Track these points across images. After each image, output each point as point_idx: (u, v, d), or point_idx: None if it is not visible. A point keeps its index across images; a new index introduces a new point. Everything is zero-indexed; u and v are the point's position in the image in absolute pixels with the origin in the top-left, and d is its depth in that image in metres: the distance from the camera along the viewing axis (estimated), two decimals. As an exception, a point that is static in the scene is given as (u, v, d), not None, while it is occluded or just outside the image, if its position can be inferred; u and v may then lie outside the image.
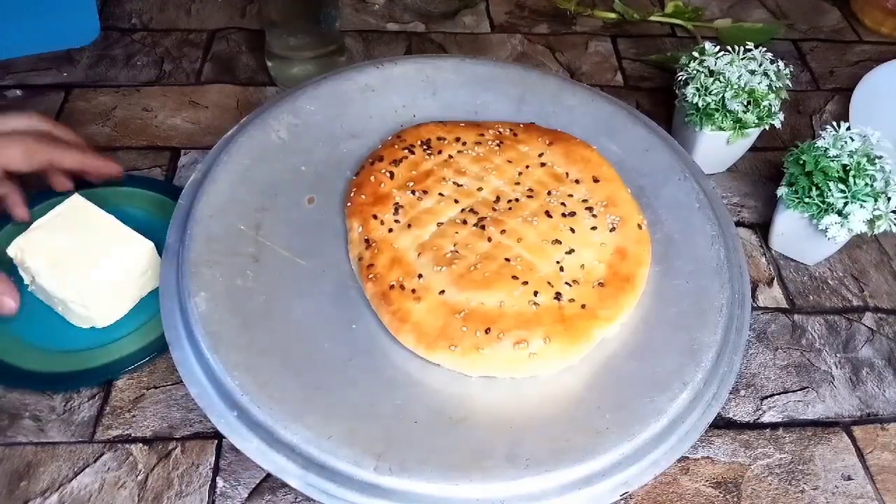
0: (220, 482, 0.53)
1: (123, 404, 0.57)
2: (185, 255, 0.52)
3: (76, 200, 0.58)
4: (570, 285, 0.53)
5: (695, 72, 0.71)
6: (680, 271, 0.56)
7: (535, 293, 0.52)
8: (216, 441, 0.55)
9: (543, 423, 0.48)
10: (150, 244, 0.58)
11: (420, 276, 0.52)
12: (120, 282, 0.57)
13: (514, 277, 0.52)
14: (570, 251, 0.55)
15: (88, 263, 0.56)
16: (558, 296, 0.52)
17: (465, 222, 0.56)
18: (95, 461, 0.54)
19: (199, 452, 0.55)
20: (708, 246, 0.57)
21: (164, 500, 0.52)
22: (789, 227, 0.68)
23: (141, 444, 0.55)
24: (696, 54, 0.72)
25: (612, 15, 0.94)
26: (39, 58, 0.81)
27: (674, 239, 0.58)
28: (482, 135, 0.62)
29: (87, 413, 0.56)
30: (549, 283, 0.53)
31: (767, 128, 0.71)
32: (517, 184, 0.59)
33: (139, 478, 0.53)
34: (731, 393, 0.52)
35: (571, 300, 0.52)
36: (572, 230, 0.56)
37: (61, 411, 0.56)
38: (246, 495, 0.53)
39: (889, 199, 0.62)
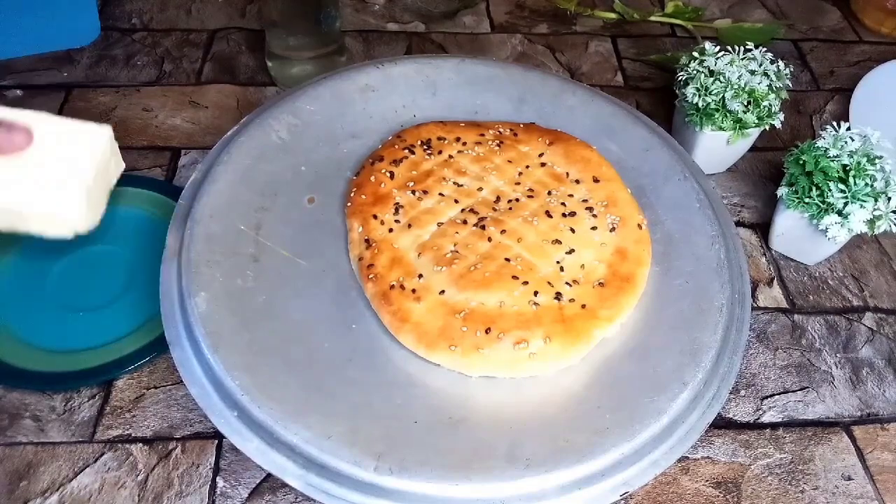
0: (220, 482, 0.53)
1: (123, 404, 0.57)
2: (186, 255, 0.52)
3: None
4: (571, 285, 0.53)
5: (695, 72, 0.71)
6: (680, 271, 0.56)
7: (536, 293, 0.52)
8: (216, 441, 0.55)
9: (543, 423, 0.48)
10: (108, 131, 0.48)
11: (420, 276, 0.52)
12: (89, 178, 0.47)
13: (515, 277, 0.52)
14: (571, 251, 0.55)
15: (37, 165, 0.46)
16: (558, 296, 0.52)
17: (465, 222, 0.56)
18: (95, 461, 0.54)
19: (199, 452, 0.55)
20: (708, 246, 0.57)
21: (164, 500, 0.52)
22: (789, 227, 0.68)
23: (141, 444, 0.55)
24: (696, 54, 0.72)
25: (612, 15, 0.94)
26: (39, 58, 0.81)
27: (674, 239, 0.58)
28: (482, 135, 0.62)
29: (87, 413, 0.56)
30: (549, 283, 0.53)
31: (767, 128, 0.71)
32: (517, 184, 0.59)
33: (139, 478, 0.53)
34: (731, 393, 0.52)
35: (571, 300, 0.52)
36: (572, 230, 0.56)
37: (61, 411, 0.56)
38: (246, 495, 0.53)
39: (889, 199, 0.62)
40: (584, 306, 0.52)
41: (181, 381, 0.49)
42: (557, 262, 0.54)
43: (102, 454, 0.54)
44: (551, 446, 0.46)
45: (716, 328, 0.52)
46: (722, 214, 0.60)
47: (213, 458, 0.54)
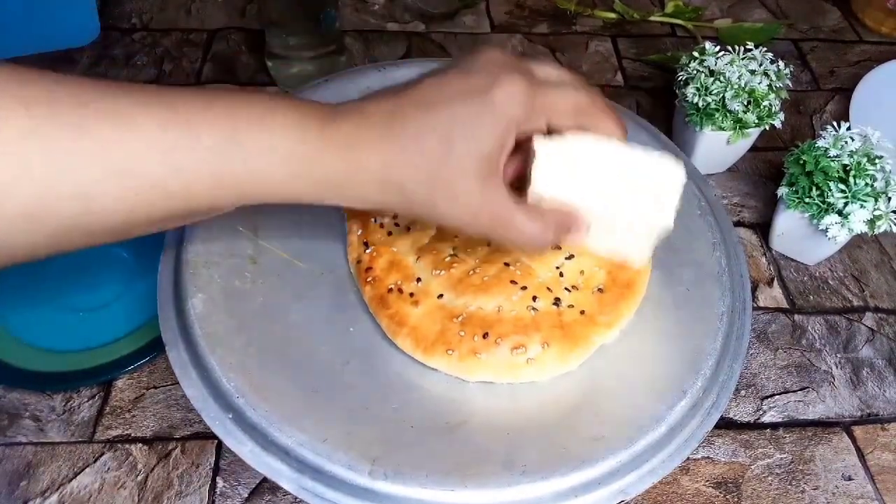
0: (220, 482, 0.53)
1: (123, 404, 0.57)
2: (183, 256, 0.52)
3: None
4: (570, 291, 0.53)
5: (695, 72, 0.70)
6: (680, 278, 0.56)
7: (534, 298, 0.51)
8: (216, 441, 0.55)
9: (541, 429, 0.48)
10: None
11: (418, 279, 0.52)
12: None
13: (513, 282, 0.52)
14: (570, 257, 0.54)
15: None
16: (557, 301, 0.52)
17: (464, 225, 0.56)
18: (95, 461, 0.54)
19: (198, 452, 0.55)
20: (709, 253, 0.57)
21: (163, 500, 0.52)
22: (790, 227, 0.68)
23: (141, 444, 0.55)
24: (696, 54, 0.72)
25: (613, 15, 0.93)
26: (39, 57, 0.81)
27: (674, 245, 0.58)
28: (481, 136, 0.62)
29: (86, 413, 0.56)
30: (548, 288, 0.52)
31: (768, 128, 0.71)
32: (516, 186, 0.59)
33: (139, 478, 0.53)
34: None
35: (570, 306, 0.52)
36: (571, 234, 0.56)
37: (61, 411, 0.56)
38: (246, 495, 0.53)
39: (889, 198, 0.62)
40: (583, 312, 0.51)
41: (180, 382, 0.50)
42: (557, 268, 0.54)
43: (102, 454, 0.54)
44: (548, 453, 0.46)
45: (716, 336, 0.52)
46: (723, 221, 0.60)
47: (213, 459, 0.55)
